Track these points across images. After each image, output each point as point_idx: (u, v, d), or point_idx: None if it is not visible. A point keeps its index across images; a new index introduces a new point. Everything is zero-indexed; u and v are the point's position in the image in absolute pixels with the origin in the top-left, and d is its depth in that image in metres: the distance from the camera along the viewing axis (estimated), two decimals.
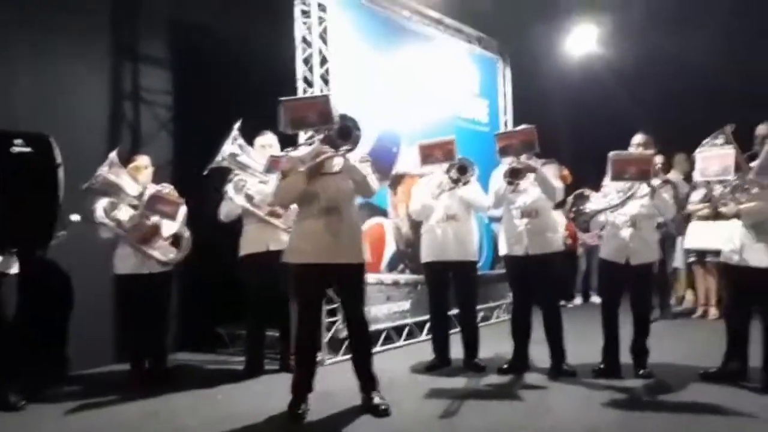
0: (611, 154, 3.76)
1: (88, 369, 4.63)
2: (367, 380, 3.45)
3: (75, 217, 3.94)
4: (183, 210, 4.32)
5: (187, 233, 4.41)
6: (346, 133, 3.24)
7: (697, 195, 6.04)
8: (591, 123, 8.08)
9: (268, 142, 4.48)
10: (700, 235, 6.12)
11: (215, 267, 4.98)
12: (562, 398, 3.65)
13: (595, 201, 4.03)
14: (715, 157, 3.55)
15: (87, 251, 4.66)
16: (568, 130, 7.28)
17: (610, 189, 4.03)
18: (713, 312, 6.31)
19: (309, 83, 4.93)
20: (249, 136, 4.48)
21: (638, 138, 4.10)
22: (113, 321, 4.91)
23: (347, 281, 3.43)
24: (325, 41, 5.03)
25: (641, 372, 3.99)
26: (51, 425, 3.38)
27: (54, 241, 3.59)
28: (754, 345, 3.76)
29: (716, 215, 5.95)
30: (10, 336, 3.77)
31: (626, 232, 3.97)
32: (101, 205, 4.12)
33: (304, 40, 4.98)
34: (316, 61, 4.94)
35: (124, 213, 4.18)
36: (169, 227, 4.30)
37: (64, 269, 4.54)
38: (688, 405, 3.38)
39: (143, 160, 4.41)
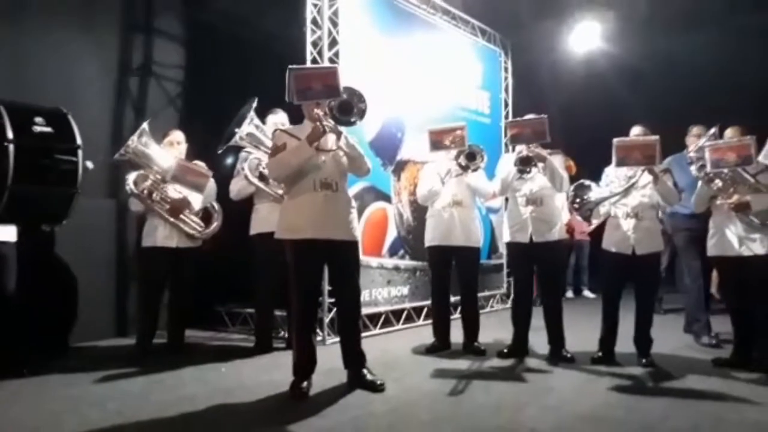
0: (616, 140, 3.82)
1: (90, 342, 4.63)
2: (357, 356, 3.46)
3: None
4: (212, 184, 4.37)
5: (218, 208, 4.44)
6: (347, 108, 3.19)
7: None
8: (589, 117, 8.20)
9: (280, 120, 4.50)
10: None
11: (214, 245, 4.99)
12: (565, 380, 3.72)
13: (596, 191, 4.11)
14: (731, 148, 3.64)
15: (92, 225, 4.70)
16: (567, 123, 7.37)
17: (612, 178, 4.11)
18: None
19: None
20: (258, 115, 4.49)
21: (636, 130, 4.16)
22: (115, 295, 4.94)
23: (343, 258, 3.42)
24: (335, 24, 5.06)
25: (644, 361, 4.03)
26: (56, 393, 3.36)
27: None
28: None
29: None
30: (11, 306, 3.75)
31: (629, 223, 4.03)
32: (131, 177, 4.15)
33: (314, 21, 5.00)
34: (325, 43, 4.96)
35: (154, 185, 4.20)
36: (199, 201, 4.34)
37: (68, 243, 4.52)
38: (692, 391, 3.47)
39: (177, 135, 4.44)
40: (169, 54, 5.52)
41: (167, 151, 4.30)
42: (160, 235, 4.24)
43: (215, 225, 4.46)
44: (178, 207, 4.24)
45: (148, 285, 4.37)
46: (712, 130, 3.93)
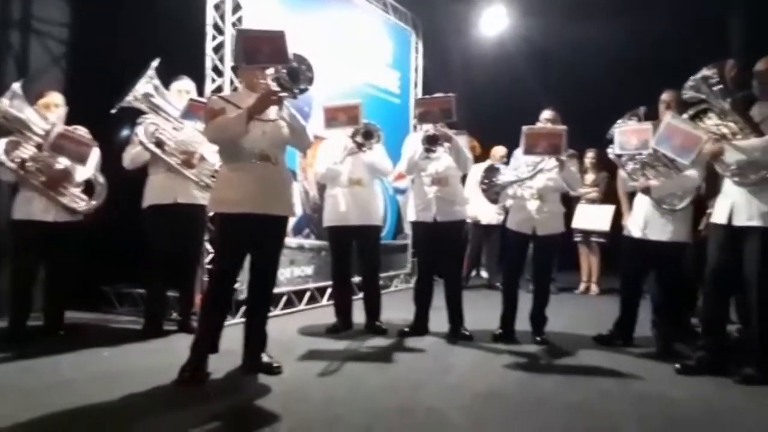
0: (525, 128, 3.85)
1: None
2: (261, 340, 3.32)
3: None
4: (96, 154, 4.00)
5: (101, 180, 4.08)
6: (295, 75, 3.02)
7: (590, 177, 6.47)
8: (495, 99, 8.32)
9: (185, 87, 4.19)
10: (586, 217, 6.53)
11: (99, 219, 4.59)
12: (463, 358, 3.76)
13: (505, 174, 4.16)
14: (633, 132, 3.73)
15: None
16: (474, 104, 7.44)
17: (520, 162, 4.17)
18: (594, 289, 6.78)
19: (219, 30, 4.65)
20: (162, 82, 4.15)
21: (547, 114, 4.24)
22: None
23: (274, 234, 3.25)
24: None
25: (539, 338, 4.17)
26: None
27: None
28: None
29: (603, 199, 6.42)
30: None
31: (533, 205, 4.11)
32: (1, 144, 3.70)
33: None
34: (228, 7, 4.67)
35: (29, 153, 3.78)
36: (81, 172, 3.95)
37: None
38: (582, 367, 3.61)
39: (54, 97, 3.99)
40: (52, 10, 4.97)
41: (43, 114, 3.88)
42: (35, 207, 3.84)
43: (99, 198, 4.09)
44: (57, 178, 3.85)
45: (21, 262, 3.95)
46: (640, 111, 3.92)
